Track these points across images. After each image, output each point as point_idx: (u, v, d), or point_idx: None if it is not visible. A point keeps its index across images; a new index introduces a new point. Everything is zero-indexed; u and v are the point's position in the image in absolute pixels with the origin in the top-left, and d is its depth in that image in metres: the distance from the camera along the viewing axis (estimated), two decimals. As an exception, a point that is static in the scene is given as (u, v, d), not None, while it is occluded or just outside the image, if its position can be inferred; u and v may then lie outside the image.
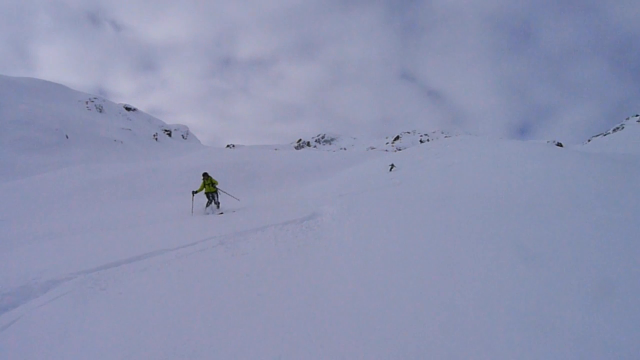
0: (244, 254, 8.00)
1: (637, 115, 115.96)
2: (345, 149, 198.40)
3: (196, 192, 16.09)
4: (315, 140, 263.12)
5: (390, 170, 19.11)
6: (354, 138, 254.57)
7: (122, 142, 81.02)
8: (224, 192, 18.18)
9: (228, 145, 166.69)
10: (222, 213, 14.49)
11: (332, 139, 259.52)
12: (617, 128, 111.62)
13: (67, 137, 68.55)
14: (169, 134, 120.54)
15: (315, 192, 19.29)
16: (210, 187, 15.76)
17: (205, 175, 15.76)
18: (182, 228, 11.66)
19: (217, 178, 23.68)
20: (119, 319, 5.37)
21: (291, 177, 30.98)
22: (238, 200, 18.14)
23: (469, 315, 4.65)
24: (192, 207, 16.01)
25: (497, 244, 6.67)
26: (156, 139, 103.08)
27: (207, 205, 15.62)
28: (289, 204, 14.61)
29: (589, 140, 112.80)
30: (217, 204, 15.77)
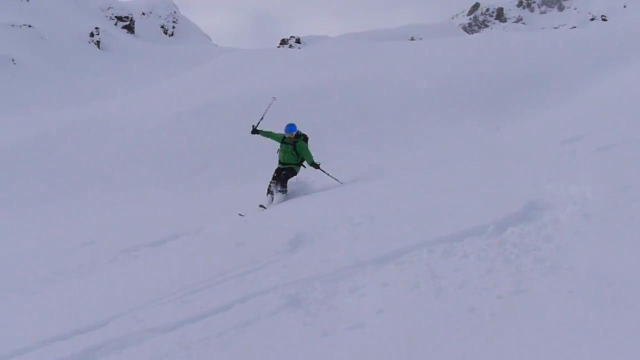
0: (352, 329, 6.07)
1: None
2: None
3: (257, 129, 16.17)
4: (520, 4, 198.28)
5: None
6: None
7: (13, 60, 62.20)
8: (325, 172, 16.75)
9: (284, 42, 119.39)
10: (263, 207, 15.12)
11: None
12: None
13: None
14: (129, 28, 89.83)
15: (533, 144, 17.12)
16: (284, 157, 15.84)
17: (292, 132, 15.89)
18: (192, 265, 10.62)
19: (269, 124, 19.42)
20: None
21: (462, 110, 25.87)
22: (341, 183, 16.69)
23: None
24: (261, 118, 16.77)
25: None
26: (97, 43, 76.00)
27: (267, 191, 15.76)
28: (465, 183, 12.20)
29: None
30: (284, 190, 15.60)
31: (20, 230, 19.71)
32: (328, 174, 16.32)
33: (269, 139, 16.24)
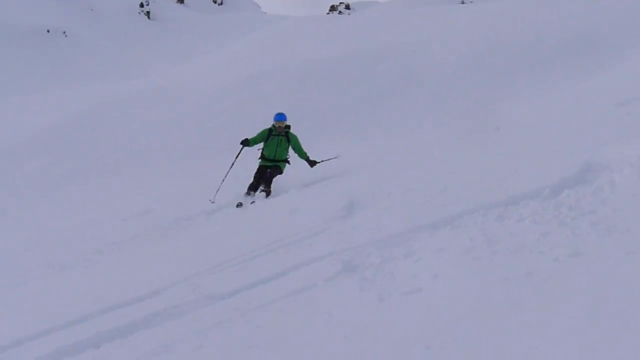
0: (409, 294, 5.91)
1: None
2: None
3: (248, 143, 14.42)
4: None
5: None
6: None
7: (64, 32, 59.88)
8: (322, 161, 15.28)
9: (333, 8, 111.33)
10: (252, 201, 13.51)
11: None
12: None
13: None
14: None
15: (587, 106, 16.16)
16: (276, 151, 14.17)
17: (283, 121, 14.23)
18: (247, 232, 10.47)
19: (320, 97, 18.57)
20: None
21: (514, 77, 25.32)
22: (337, 157, 15.72)
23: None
24: (222, 181, 14.55)
25: None
26: (147, 13, 74.53)
27: (248, 191, 13.92)
28: (520, 147, 11.97)
29: None
30: (268, 191, 13.89)
31: (80, 202, 19.99)
32: (324, 160, 15.06)
33: (257, 143, 14.28)
